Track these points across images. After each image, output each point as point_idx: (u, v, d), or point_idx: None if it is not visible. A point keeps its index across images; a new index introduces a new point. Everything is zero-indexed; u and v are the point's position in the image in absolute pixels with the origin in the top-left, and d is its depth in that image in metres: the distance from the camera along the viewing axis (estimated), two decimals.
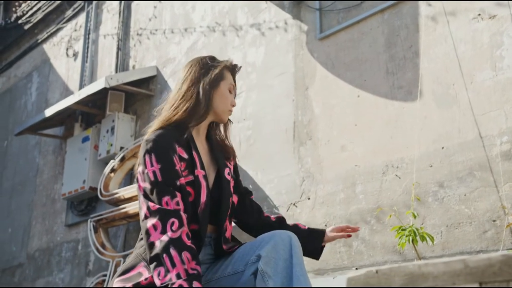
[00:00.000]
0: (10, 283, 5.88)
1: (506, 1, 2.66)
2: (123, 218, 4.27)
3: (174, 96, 1.77)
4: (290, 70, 3.63)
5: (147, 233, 1.54)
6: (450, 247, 2.63)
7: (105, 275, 4.28)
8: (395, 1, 3.13)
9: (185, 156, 1.66)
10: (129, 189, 4.21)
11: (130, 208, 4.14)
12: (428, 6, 2.98)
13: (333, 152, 3.25)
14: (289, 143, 3.49)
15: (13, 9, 7.14)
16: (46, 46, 6.50)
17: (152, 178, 1.59)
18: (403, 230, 2.48)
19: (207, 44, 4.33)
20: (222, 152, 1.85)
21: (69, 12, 6.15)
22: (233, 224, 1.88)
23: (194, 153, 1.68)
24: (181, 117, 1.72)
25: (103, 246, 4.33)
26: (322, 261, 3.13)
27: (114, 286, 1.59)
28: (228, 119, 1.88)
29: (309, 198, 3.30)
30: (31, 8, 6.62)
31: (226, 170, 1.82)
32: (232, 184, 1.84)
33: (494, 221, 2.51)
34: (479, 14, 2.76)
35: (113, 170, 4.46)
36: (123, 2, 5.38)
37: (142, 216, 1.58)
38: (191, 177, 1.65)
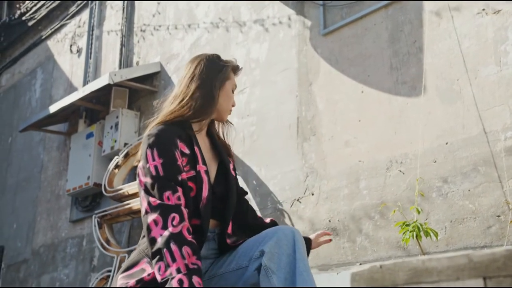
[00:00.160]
0: (15, 279, 5.91)
1: None
2: (127, 214, 4.29)
3: (180, 92, 1.76)
4: (294, 66, 3.63)
5: (148, 228, 1.55)
6: (454, 243, 2.63)
7: (110, 271, 4.30)
8: None
9: (187, 151, 1.67)
10: (133, 185, 4.22)
11: (134, 204, 4.16)
12: (432, 1, 2.97)
13: (337, 148, 3.24)
14: (293, 139, 3.50)
15: (17, 5, 7.15)
16: (50, 43, 6.51)
17: (154, 173, 1.60)
18: (407, 225, 2.48)
19: (211, 40, 4.33)
20: (224, 149, 1.86)
21: (73, 9, 6.16)
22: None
23: (196, 148, 1.69)
24: (186, 113, 1.72)
25: (107, 242, 4.35)
26: (326, 257, 3.13)
27: (118, 282, 1.60)
28: (228, 121, 1.89)
29: (313, 194, 3.30)
30: (35, 5, 6.63)
31: (231, 166, 1.83)
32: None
33: (498, 216, 2.51)
34: (484, 9, 2.75)
35: (117, 166, 4.47)
36: None
37: (143, 211, 1.59)
38: (192, 172, 1.65)
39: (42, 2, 6.51)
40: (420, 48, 2.98)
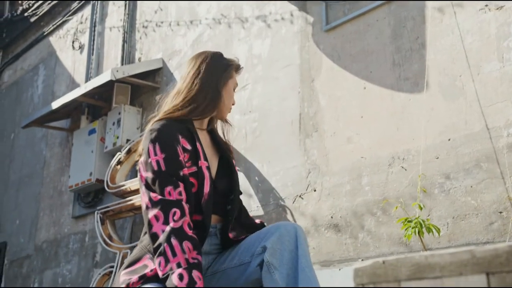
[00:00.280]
0: (18, 274, 5.94)
1: None
2: (130, 210, 4.30)
3: (184, 88, 1.77)
4: (296, 62, 3.62)
5: (149, 224, 1.55)
6: (456, 239, 2.63)
7: (112, 267, 4.31)
8: None
9: (189, 147, 1.68)
10: (136, 181, 4.23)
11: (137, 200, 4.16)
12: None
13: (339, 144, 3.25)
14: (295, 135, 3.50)
15: (19, 1, 7.15)
16: (52, 39, 6.51)
17: (156, 168, 1.60)
18: (409, 221, 2.48)
19: (213, 36, 4.33)
20: (224, 145, 1.87)
21: (75, 5, 6.16)
22: None
23: (197, 144, 1.70)
24: (189, 110, 1.73)
25: (110, 237, 4.36)
26: (328, 253, 3.14)
27: (120, 278, 1.60)
28: (227, 120, 1.90)
29: (315, 190, 3.30)
30: (37, 1, 6.63)
31: (234, 162, 1.85)
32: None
33: (500, 212, 2.51)
34: (486, 5, 2.74)
35: (119, 163, 4.48)
36: None
37: (143, 206, 1.59)
38: (194, 168, 1.66)
39: None
40: (422, 44, 2.98)
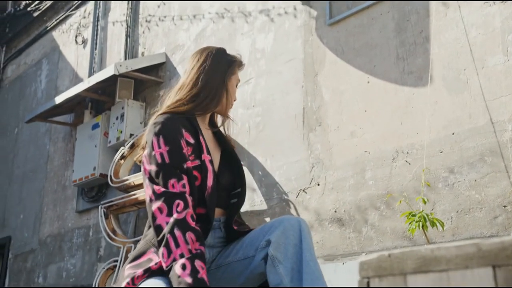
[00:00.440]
0: (22, 269, 5.96)
1: None
2: (133, 204, 4.31)
3: (188, 82, 1.78)
4: (299, 56, 3.62)
5: (153, 216, 1.56)
6: (460, 233, 2.63)
7: (116, 261, 4.32)
8: None
9: (192, 141, 1.69)
10: (139, 175, 4.24)
11: (140, 194, 4.17)
12: None
13: (342, 138, 3.24)
14: (299, 129, 3.49)
15: None
16: (55, 33, 6.51)
17: (160, 160, 1.61)
18: (413, 215, 2.48)
19: (216, 30, 4.32)
20: (227, 140, 1.89)
21: None
22: None
23: (200, 138, 1.71)
24: (192, 104, 1.74)
25: (114, 232, 4.37)
26: (331, 247, 3.14)
27: (125, 272, 1.61)
28: (229, 116, 1.91)
29: (318, 184, 3.30)
30: None
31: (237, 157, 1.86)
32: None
33: (505, 206, 2.51)
34: None
35: (123, 157, 4.48)
36: None
37: (147, 199, 1.61)
38: (197, 162, 1.67)
39: None
40: (426, 38, 2.97)
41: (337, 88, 3.35)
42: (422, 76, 2.94)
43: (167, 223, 1.53)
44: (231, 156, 1.86)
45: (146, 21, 5.13)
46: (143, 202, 4.19)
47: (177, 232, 1.50)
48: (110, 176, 4.47)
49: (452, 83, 2.81)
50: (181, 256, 1.47)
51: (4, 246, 6.37)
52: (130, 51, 5.22)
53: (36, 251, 5.81)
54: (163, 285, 1.49)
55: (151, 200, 1.58)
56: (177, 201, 1.55)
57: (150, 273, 1.55)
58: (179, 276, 1.44)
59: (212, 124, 1.91)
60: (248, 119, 3.83)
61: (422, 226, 2.43)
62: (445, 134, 2.78)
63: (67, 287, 5.20)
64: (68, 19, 6.31)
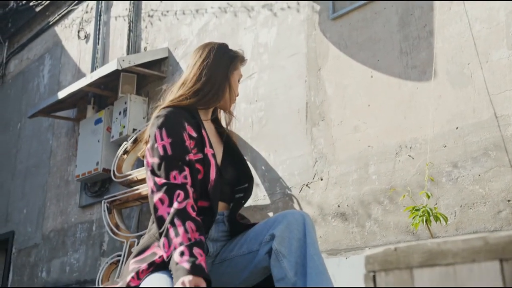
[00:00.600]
0: (26, 263, 5.98)
1: None
2: (137, 199, 4.31)
3: (190, 78, 1.80)
4: (303, 50, 3.61)
5: (155, 207, 1.57)
6: (464, 227, 2.62)
7: (120, 256, 4.33)
8: None
9: (194, 134, 1.70)
10: (142, 170, 4.24)
11: (143, 189, 4.18)
12: None
13: (346, 133, 3.24)
14: (302, 124, 3.49)
15: None
16: (57, 28, 6.51)
17: (162, 153, 1.62)
18: (416, 210, 2.47)
19: (219, 25, 4.31)
20: (228, 135, 1.90)
21: None
22: None
23: (203, 131, 1.72)
24: (195, 99, 1.75)
25: (117, 227, 4.38)
26: (335, 242, 3.14)
27: (130, 267, 1.61)
28: (231, 111, 1.92)
29: (322, 179, 3.30)
30: None
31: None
32: None
33: (508, 201, 2.50)
34: None
35: (126, 152, 4.48)
36: None
37: (149, 191, 1.62)
38: (200, 155, 1.68)
39: None
40: (430, 32, 2.95)
41: (340, 82, 3.34)
42: (426, 71, 2.93)
43: (168, 213, 1.54)
44: (233, 151, 1.87)
45: (149, 16, 5.12)
46: (146, 197, 4.20)
47: (177, 222, 1.51)
48: (113, 171, 4.48)
49: (456, 77, 2.80)
50: (180, 244, 1.47)
51: (7, 241, 6.39)
52: (133, 46, 5.21)
53: (40, 246, 5.83)
54: (167, 279, 1.49)
55: (152, 192, 1.59)
56: (178, 191, 1.56)
57: (154, 267, 1.56)
58: (177, 263, 1.44)
59: (215, 120, 1.91)
60: (251, 113, 3.83)
61: (426, 221, 2.43)
62: (449, 128, 2.77)
63: (71, 282, 5.22)
64: (70, 14, 6.30)
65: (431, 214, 2.43)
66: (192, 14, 4.61)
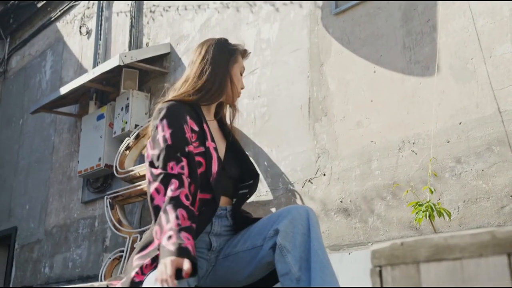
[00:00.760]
0: (29, 259, 6.00)
1: None
2: (139, 195, 4.31)
3: (191, 76, 1.83)
4: (305, 46, 3.60)
5: (151, 197, 1.57)
6: (467, 223, 2.62)
7: (122, 251, 4.34)
8: None
9: (196, 128, 1.72)
10: (144, 166, 4.23)
11: (146, 185, 4.16)
12: None
13: (348, 129, 3.23)
14: (304, 119, 3.48)
15: None
16: (59, 24, 6.50)
17: (162, 143, 1.63)
18: (420, 205, 2.47)
19: (221, 20, 4.30)
20: (231, 132, 1.91)
21: None
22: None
23: (204, 125, 1.73)
24: (196, 96, 1.77)
25: (119, 222, 4.38)
26: (337, 237, 3.14)
27: (134, 263, 1.61)
28: (236, 106, 1.93)
29: (324, 175, 3.30)
30: None
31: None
32: None
33: None
34: None
35: (128, 148, 4.48)
36: None
37: (146, 182, 1.62)
38: (202, 148, 1.69)
39: None
40: (433, 27, 2.94)
41: (343, 78, 3.34)
42: (429, 66, 2.92)
43: (163, 202, 1.54)
44: (237, 149, 1.88)
45: (151, 11, 5.12)
46: None
47: (169, 209, 1.51)
48: (116, 166, 4.48)
49: (460, 72, 2.79)
50: (170, 229, 1.48)
51: (10, 237, 6.40)
52: (135, 42, 5.20)
53: (42, 242, 5.84)
54: None
55: (149, 182, 1.61)
56: (173, 180, 1.57)
57: (158, 261, 1.55)
58: (163, 247, 1.44)
59: (219, 119, 1.92)
60: (254, 109, 3.82)
61: (429, 216, 2.43)
62: (452, 123, 2.77)
63: (73, 278, 5.23)
64: (72, 10, 6.30)
65: (434, 209, 2.43)
66: (194, 9, 4.60)
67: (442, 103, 2.83)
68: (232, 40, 1.98)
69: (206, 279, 1.74)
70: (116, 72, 4.77)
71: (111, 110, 5.02)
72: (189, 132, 1.68)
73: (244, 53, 1.91)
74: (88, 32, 5.91)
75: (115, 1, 5.64)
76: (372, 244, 2.98)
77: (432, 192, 2.54)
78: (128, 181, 4.43)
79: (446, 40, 2.88)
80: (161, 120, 1.67)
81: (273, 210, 3.55)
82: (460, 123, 2.74)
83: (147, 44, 5.10)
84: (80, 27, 5.99)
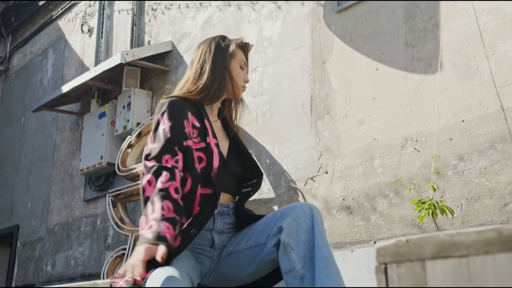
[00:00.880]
0: (31, 257, 6.00)
1: None
2: None
3: (190, 78, 1.86)
4: (307, 43, 3.59)
5: (143, 189, 1.58)
6: (470, 220, 2.62)
7: (124, 249, 4.34)
8: None
9: (198, 124, 1.72)
10: None
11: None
12: None
13: (351, 126, 3.23)
14: (307, 117, 3.48)
15: None
16: (61, 22, 6.50)
17: (161, 136, 1.64)
18: (422, 203, 2.47)
19: (223, 18, 4.30)
20: (234, 131, 1.92)
21: None
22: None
23: (206, 122, 1.73)
24: (198, 97, 1.78)
25: (121, 220, 4.38)
26: (340, 235, 3.14)
27: None
28: (242, 100, 1.93)
29: (326, 172, 3.29)
30: None
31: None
32: None
33: None
34: None
35: (130, 146, 4.48)
36: None
37: (140, 175, 1.63)
38: (203, 144, 1.70)
39: None
40: (436, 25, 2.94)
41: (345, 75, 3.33)
42: (432, 63, 2.91)
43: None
44: (239, 147, 1.88)
45: (152, 9, 5.11)
46: None
47: (156, 200, 1.51)
48: (118, 165, 4.48)
49: (462, 70, 2.79)
50: (154, 220, 1.48)
51: (12, 235, 6.41)
52: (136, 40, 5.20)
53: (44, 240, 5.84)
54: (175, 271, 1.49)
55: (143, 174, 1.61)
56: (165, 172, 1.57)
57: None
58: (143, 235, 1.44)
59: (223, 118, 1.92)
60: (256, 107, 3.82)
61: (432, 214, 2.42)
62: (455, 121, 2.76)
63: (75, 276, 5.23)
64: (73, 8, 6.29)
65: (437, 207, 2.43)
66: (195, 7, 4.60)
67: (445, 100, 2.82)
68: (233, 38, 1.97)
69: (209, 277, 1.74)
70: (118, 70, 4.77)
71: (113, 108, 5.02)
72: (189, 128, 1.69)
73: (243, 46, 1.90)
74: (90, 30, 5.90)
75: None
76: (374, 242, 2.97)
77: (435, 190, 2.53)
78: (130, 179, 4.43)
79: (449, 37, 2.87)
80: (162, 114, 1.69)
81: (275, 208, 3.55)
82: (463, 121, 2.73)
83: (148, 42, 5.10)
84: (82, 25, 5.99)
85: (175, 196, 1.53)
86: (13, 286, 6.18)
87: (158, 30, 5.01)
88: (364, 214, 3.05)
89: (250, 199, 1.88)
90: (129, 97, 4.76)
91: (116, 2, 5.63)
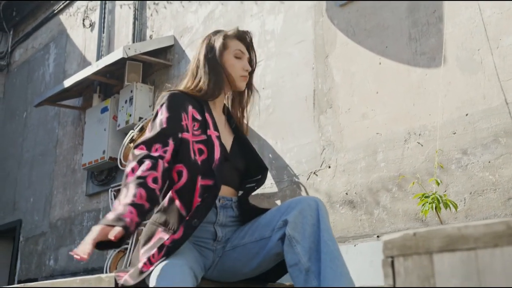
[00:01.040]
0: (33, 251, 6.02)
1: None
2: None
3: (191, 76, 1.86)
4: (310, 37, 3.58)
5: (126, 176, 1.57)
6: (474, 214, 2.61)
7: (127, 244, 4.34)
8: None
9: (199, 117, 1.73)
10: None
11: None
12: None
13: (354, 120, 3.22)
14: (309, 111, 3.47)
15: None
16: (62, 17, 6.49)
17: (158, 126, 1.66)
18: (426, 197, 2.46)
19: (225, 12, 4.28)
20: (240, 127, 1.92)
21: None
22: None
23: (207, 114, 1.73)
24: (199, 94, 1.80)
25: None
26: (343, 229, 3.14)
27: (141, 257, 1.61)
28: (253, 88, 1.92)
29: (329, 167, 3.29)
30: None
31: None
32: None
33: None
34: None
35: (132, 140, 4.48)
36: None
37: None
38: (203, 137, 1.70)
39: None
40: (440, 18, 2.92)
41: (348, 69, 3.32)
42: (435, 57, 2.90)
43: None
44: (243, 142, 1.88)
45: (154, 3, 5.10)
46: None
47: (131, 186, 1.51)
48: (120, 159, 4.48)
49: (466, 64, 2.78)
50: (123, 204, 1.48)
51: (15, 229, 6.42)
52: (138, 34, 5.19)
53: (47, 234, 5.86)
54: (179, 264, 1.49)
55: (128, 161, 1.61)
56: (147, 161, 1.57)
57: (165, 249, 1.55)
58: (105, 217, 1.45)
59: (228, 117, 1.92)
60: (258, 101, 3.81)
61: (436, 208, 2.42)
62: (458, 115, 2.75)
63: (78, 270, 5.25)
64: (75, 2, 6.28)
65: (440, 201, 2.42)
66: (197, 1, 4.59)
67: (449, 94, 2.82)
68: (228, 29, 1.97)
69: (213, 271, 1.74)
70: (119, 64, 4.76)
71: (115, 103, 5.01)
72: (187, 120, 1.70)
73: (236, 35, 1.87)
74: (92, 25, 5.89)
75: None
76: (378, 236, 2.97)
77: (438, 184, 2.53)
78: None
79: (452, 31, 2.86)
80: (161, 105, 1.71)
81: (278, 202, 3.55)
82: (467, 115, 2.73)
83: (150, 37, 5.09)
84: (83, 20, 5.97)
85: (152, 185, 1.53)
86: (16, 280, 6.20)
87: (160, 24, 5.00)
88: (367, 208, 3.05)
89: (253, 193, 1.88)
90: (131, 91, 4.76)
91: None
